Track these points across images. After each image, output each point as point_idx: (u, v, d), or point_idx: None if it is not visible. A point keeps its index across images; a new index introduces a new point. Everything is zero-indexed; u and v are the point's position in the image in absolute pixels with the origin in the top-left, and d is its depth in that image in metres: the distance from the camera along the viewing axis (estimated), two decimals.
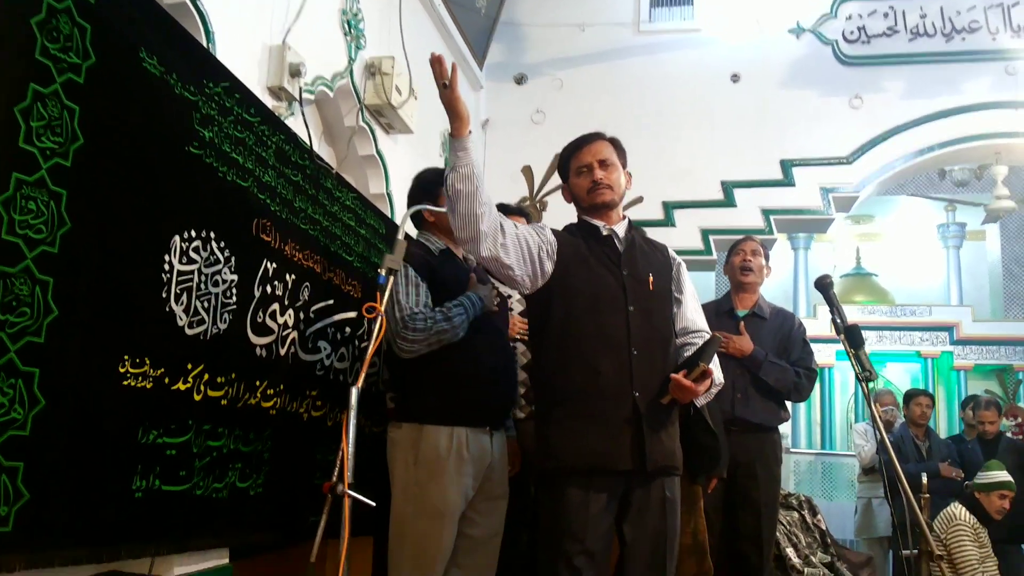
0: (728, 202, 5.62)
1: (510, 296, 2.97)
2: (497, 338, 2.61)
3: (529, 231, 2.33)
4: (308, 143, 2.65)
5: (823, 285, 2.70)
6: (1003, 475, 4.70)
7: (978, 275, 10.68)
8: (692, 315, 2.50)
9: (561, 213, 4.45)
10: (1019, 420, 6.40)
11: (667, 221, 5.60)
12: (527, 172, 4.87)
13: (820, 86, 5.77)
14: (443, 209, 2.38)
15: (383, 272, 2.01)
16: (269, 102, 3.19)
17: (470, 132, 2.20)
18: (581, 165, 2.43)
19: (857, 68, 5.75)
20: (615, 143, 2.49)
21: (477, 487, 2.47)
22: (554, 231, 2.41)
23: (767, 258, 3.52)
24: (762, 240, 3.65)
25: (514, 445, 2.66)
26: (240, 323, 2.16)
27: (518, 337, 2.93)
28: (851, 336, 2.51)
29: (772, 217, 5.59)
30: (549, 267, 2.33)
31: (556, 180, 4.87)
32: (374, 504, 1.75)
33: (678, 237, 5.63)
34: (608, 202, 2.41)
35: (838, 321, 2.54)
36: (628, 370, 2.28)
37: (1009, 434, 5.96)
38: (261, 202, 2.28)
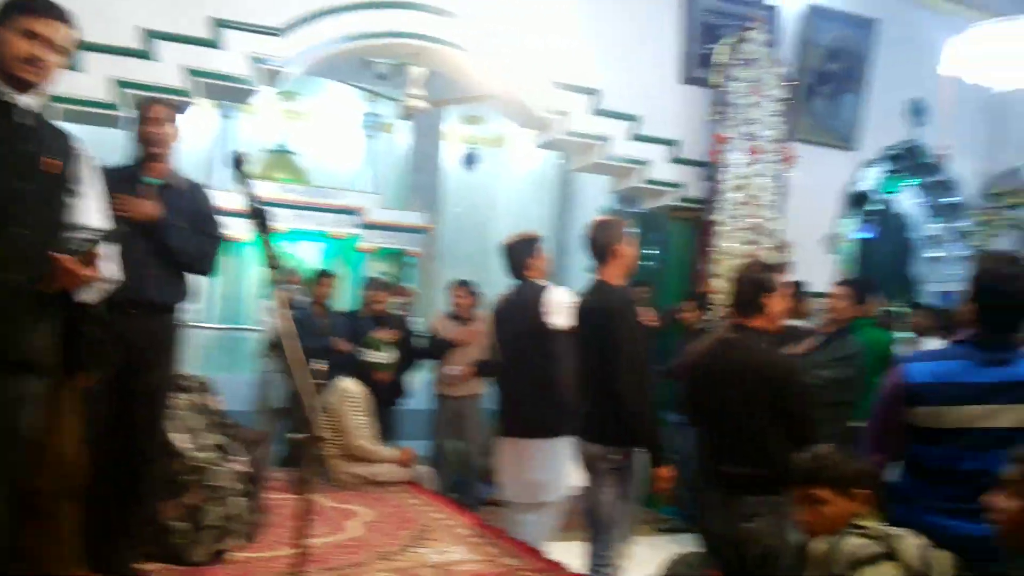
0: (148, 54, 5.01)
1: None
2: None
3: None
4: None
5: (236, 163, 2.54)
6: (389, 353, 5.26)
7: (388, 165, 11.63)
8: (91, 212, 2.35)
9: None
10: (406, 299, 7.22)
11: (72, 65, 4.78)
12: None
13: None
14: None
15: None
16: None
17: None
18: (31, 30, 2.12)
19: None
20: (74, 32, 2.24)
21: None
22: None
23: (176, 120, 3.18)
24: (176, 103, 3.29)
25: None
26: None
27: None
28: (261, 222, 2.41)
29: (197, 79, 5.17)
30: None
31: None
32: None
33: (86, 85, 4.85)
34: (33, 84, 2.18)
35: (250, 204, 2.41)
36: (10, 250, 2.09)
37: (397, 311, 6.66)
38: None
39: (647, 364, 3.36)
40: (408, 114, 8.20)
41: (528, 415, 3.86)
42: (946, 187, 8.09)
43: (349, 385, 5.00)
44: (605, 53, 6.33)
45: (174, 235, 3.09)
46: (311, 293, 6.10)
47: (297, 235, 10.03)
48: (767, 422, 2.85)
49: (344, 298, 9.71)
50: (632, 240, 3.53)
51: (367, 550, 3.60)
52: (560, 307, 3.76)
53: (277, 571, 3.20)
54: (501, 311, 4.14)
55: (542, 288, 3.90)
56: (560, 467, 3.83)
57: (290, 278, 6.42)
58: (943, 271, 8.35)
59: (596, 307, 3.37)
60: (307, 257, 10.17)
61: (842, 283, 4.92)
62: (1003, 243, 7.74)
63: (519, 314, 3.92)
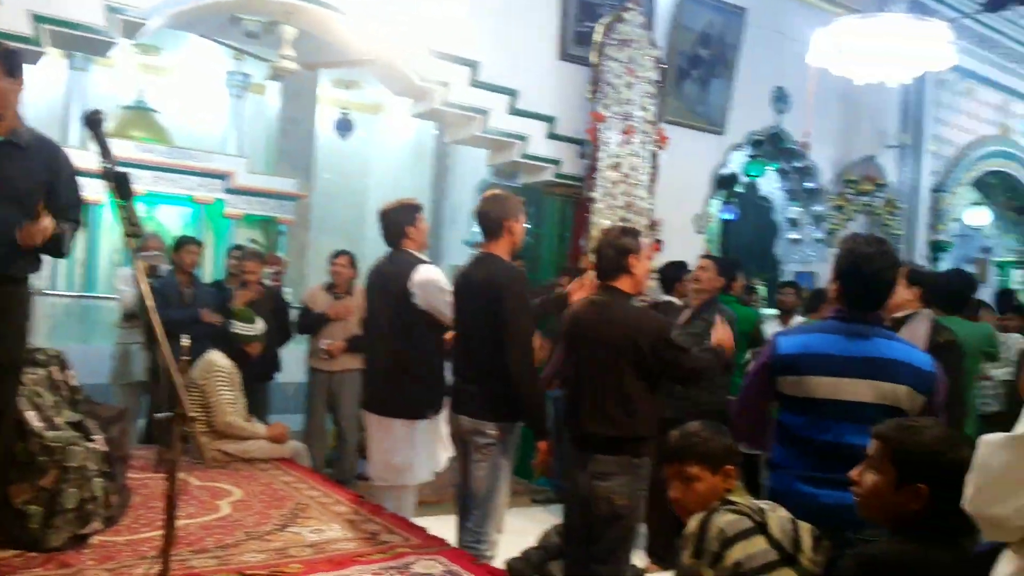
0: None
1: None
2: None
3: None
4: None
5: (93, 122, 2.35)
6: (259, 325, 5.07)
7: (256, 128, 11.16)
8: None
9: None
10: (277, 269, 6.97)
11: None
12: None
13: None
14: None
15: None
16: None
17: None
18: None
19: None
20: None
21: None
22: None
23: (16, 71, 2.87)
24: (17, 51, 2.99)
25: None
26: None
27: None
28: (121, 187, 2.23)
29: (44, 27, 4.75)
30: None
31: None
32: None
33: None
34: None
35: (108, 167, 2.23)
36: None
37: (267, 281, 6.41)
38: None
39: (533, 339, 3.36)
40: (278, 75, 7.88)
41: (392, 393, 3.74)
42: (804, 172, 8.54)
43: (217, 358, 4.78)
44: (485, 24, 6.26)
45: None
46: (174, 261, 5.78)
47: (158, 198, 9.49)
48: (633, 381, 2.94)
49: (211, 266, 9.30)
50: (524, 216, 3.51)
51: (239, 530, 3.46)
52: (428, 286, 3.67)
53: (143, 554, 3.04)
54: (372, 281, 3.99)
55: (415, 262, 3.75)
56: (422, 450, 3.76)
57: (151, 244, 6.06)
58: (801, 252, 8.84)
59: (484, 281, 3.33)
60: (169, 222, 9.66)
61: (706, 257, 5.09)
62: (855, 227, 8.26)
63: (389, 285, 3.77)
